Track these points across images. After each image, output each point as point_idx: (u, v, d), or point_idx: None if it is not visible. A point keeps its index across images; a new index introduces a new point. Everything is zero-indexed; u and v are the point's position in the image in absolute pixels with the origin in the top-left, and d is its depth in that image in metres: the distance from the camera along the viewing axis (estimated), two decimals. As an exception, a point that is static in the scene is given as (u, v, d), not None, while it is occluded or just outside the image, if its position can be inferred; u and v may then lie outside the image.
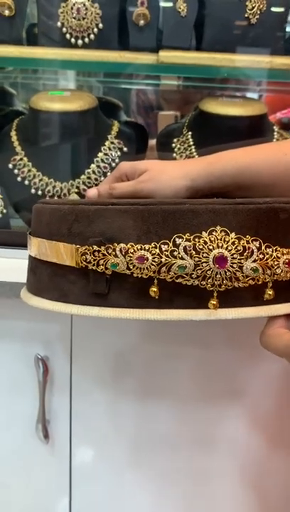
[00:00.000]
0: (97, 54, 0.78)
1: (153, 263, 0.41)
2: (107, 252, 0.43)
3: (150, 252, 0.41)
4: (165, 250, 0.41)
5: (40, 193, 0.78)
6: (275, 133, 0.82)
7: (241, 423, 0.78)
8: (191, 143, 0.81)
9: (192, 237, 0.41)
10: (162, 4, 0.77)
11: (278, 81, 0.94)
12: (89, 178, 0.78)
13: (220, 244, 0.41)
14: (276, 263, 0.42)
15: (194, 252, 0.41)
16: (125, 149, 0.80)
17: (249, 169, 0.53)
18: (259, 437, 0.78)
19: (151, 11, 0.76)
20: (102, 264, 0.43)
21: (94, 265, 0.43)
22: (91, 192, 0.59)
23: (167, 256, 0.41)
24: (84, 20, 0.76)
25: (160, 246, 0.41)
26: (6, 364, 0.78)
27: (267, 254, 0.42)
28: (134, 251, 0.42)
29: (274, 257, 0.42)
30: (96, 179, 0.78)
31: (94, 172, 0.78)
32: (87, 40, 0.78)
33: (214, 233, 0.41)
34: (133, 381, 0.77)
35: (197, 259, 0.41)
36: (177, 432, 0.79)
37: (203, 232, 0.41)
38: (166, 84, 1.17)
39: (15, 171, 0.78)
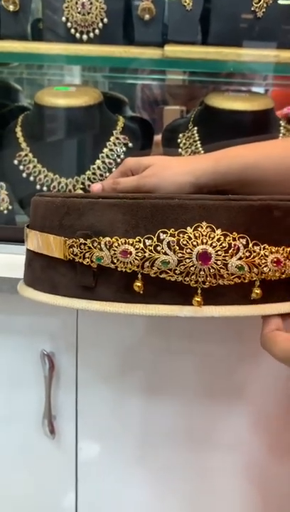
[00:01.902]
0: (102, 49, 0.78)
1: (137, 257, 0.41)
2: (93, 246, 0.43)
3: (134, 247, 0.41)
4: (149, 245, 0.41)
5: (45, 189, 0.77)
6: (281, 128, 0.81)
7: (246, 419, 0.78)
8: (197, 138, 0.80)
9: (176, 232, 0.40)
10: (167, -2, 0.76)
11: (285, 75, 0.93)
12: (94, 173, 0.78)
13: (205, 241, 0.40)
14: (263, 261, 0.41)
15: (177, 248, 0.40)
16: (130, 145, 0.79)
17: (255, 166, 0.53)
18: (264, 434, 0.78)
19: (156, 5, 0.75)
20: (88, 257, 0.43)
21: (80, 258, 0.43)
22: (95, 187, 0.59)
23: (150, 251, 0.41)
24: (88, 15, 0.76)
25: (144, 241, 0.41)
26: (12, 360, 0.78)
27: (254, 252, 0.41)
28: (118, 245, 0.42)
29: (262, 255, 0.41)
30: (101, 175, 0.78)
31: (99, 168, 0.78)
32: (92, 35, 0.77)
33: (199, 229, 0.40)
34: (139, 376, 0.77)
35: (180, 254, 0.40)
36: (183, 428, 0.79)
37: (188, 228, 0.40)
38: (172, 79, 1.16)
39: (21, 167, 0.78)
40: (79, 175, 0.78)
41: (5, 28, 0.78)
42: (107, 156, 0.79)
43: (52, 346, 0.77)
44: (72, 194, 0.46)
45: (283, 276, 0.43)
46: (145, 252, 0.41)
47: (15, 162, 0.78)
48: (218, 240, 0.40)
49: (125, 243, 0.41)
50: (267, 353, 0.43)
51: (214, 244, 0.40)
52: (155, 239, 0.41)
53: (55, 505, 0.86)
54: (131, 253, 0.41)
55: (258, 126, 0.77)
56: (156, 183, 0.54)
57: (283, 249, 0.42)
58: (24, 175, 0.78)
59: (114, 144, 0.79)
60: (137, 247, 0.41)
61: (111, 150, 0.79)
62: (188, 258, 0.40)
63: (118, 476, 0.83)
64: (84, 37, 0.78)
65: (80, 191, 0.77)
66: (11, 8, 0.76)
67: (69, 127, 0.79)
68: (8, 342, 0.78)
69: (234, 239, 0.41)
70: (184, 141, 0.82)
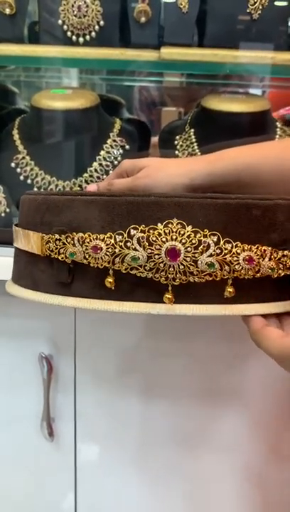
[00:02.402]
0: (99, 51, 0.78)
1: (107, 253, 0.41)
2: (67, 241, 0.43)
3: (104, 242, 0.41)
4: (120, 241, 0.41)
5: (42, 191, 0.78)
6: (278, 129, 0.81)
7: (246, 420, 0.78)
8: (193, 140, 0.80)
9: (147, 228, 0.40)
10: (163, 0, 0.76)
11: (281, 77, 0.94)
12: (91, 176, 0.78)
13: (174, 237, 0.40)
14: (235, 259, 0.41)
15: (147, 244, 0.40)
16: (127, 147, 0.80)
17: (251, 168, 0.53)
18: (264, 434, 0.78)
19: (152, 8, 0.76)
20: (63, 253, 0.43)
21: (56, 254, 0.44)
22: (91, 188, 0.59)
23: (121, 247, 0.41)
24: (85, 18, 0.76)
25: (115, 236, 0.41)
26: (10, 362, 0.79)
27: (226, 249, 0.40)
28: (90, 240, 0.42)
29: (234, 253, 0.41)
30: (98, 177, 0.78)
31: (96, 170, 0.78)
32: (88, 37, 0.78)
33: (169, 225, 0.40)
34: (138, 378, 0.77)
35: (149, 251, 0.40)
36: (181, 429, 0.79)
37: (159, 224, 0.40)
38: (169, 81, 1.17)
39: (18, 170, 0.78)
40: (77, 177, 0.78)
41: (1, 31, 0.78)
42: (104, 158, 0.79)
43: (50, 349, 0.77)
44: (54, 192, 0.47)
45: (258, 275, 0.42)
46: (115, 248, 0.41)
47: (13, 165, 0.79)
48: (188, 236, 0.40)
49: (96, 239, 0.41)
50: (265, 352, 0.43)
51: (183, 241, 0.40)
52: (125, 235, 0.41)
53: (54, 507, 0.86)
54: (101, 249, 0.41)
55: (254, 127, 0.77)
56: (150, 184, 0.54)
57: (257, 248, 0.41)
58: (21, 178, 0.78)
59: (111, 146, 0.79)
60: (108, 242, 0.41)
61: (108, 152, 0.79)
62: (157, 254, 0.40)
63: (117, 478, 0.83)
64: (81, 39, 0.78)
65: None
66: (8, 11, 0.76)
67: (66, 130, 0.79)
68: (7, 344, 0.78)
69: (205, 236, 0.40)
70: (181, 143, 0.82)
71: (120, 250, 0.41)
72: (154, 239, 0.40)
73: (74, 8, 0.76)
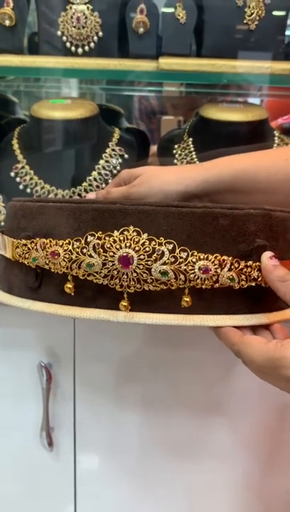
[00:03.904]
0: (98, 62, 0.78)
1: (65, 259, 0.41)
2: (31, 247, 0.44)
3: (62, 248, 0.42)
4: (77, 247, 0.41)
5: (42, 200, 0.78)
6: (276, 138, 0.82)
7: (247, 430, 0.77)
8: (192, 149, 0.81)
9: (103, 235, 0.41)
10: (161, 11, 0.77)
11: (279, 86, 0.94)
12: (90, 185, 0.78)
13: (128, 244, 0.40)
14: (190, 268, 0.40)
15: (102, 251, 0.40)
16: (126, 156, 0.80)
17: (246, 175, 0.53)
18: (265, 444, 0.78)
19: (150, 19, 0.76)
20: (28, 258, 0.44)
21: (23, 258, 0.45)
22: (90, 196, 0.60)
23: (77, 253, 0.41)
24: (84, 29, 0.77)
25: (73, 243, 0.41)
26: (9, 372, 0.78)
27: (181, 258, 0.40)
28: (50, 246, 0.42)
29: (189, 262, 0.40)
30: (97, 186, 0.78)
31: (95, 179, 0.78)
32: (87, 48, 0.78)
33: (125, 233, 0.40)
34: (137, 388, 0.77)
35: (104, 257, 0.40)
36: (181, 439, 0.78)
37: (115, 232, 0.41)
38: (168, 91, 1.17)
39: (17, 179, 0.79)
40: (76, 186, 0.78)
41: (1, 42, 0.79)
42: (103, 167, 0.79)
43: (49, 358, 0.77)
44: (31, 198, 0.48)
45: (217, 285, 0.41)
46: (72, 254, 0.41)
47: (12, 174, 0.79)
48: (142, 244, 0.40)
49: (56, 245, 0.42)
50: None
51: (137, 248, 0.40)
52: (83, 241, 0.41)
53: (53, 517, 0.85)
54: (59, 254, 0.42)
55: (252, 136, 0.78)
56: (144, 192, 0.54)
57: (215, 257, 0.40)
58: (21, 187, 0.78)
59: (110, 156, 0.80)
60: (66, 248, 0.41)
61: (107, 161, 0.79)
62: (111, 261, 0.40)
63: (116, 487, 0.82)
64: (80, 50, 0.78)
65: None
66: (7, 23, 0.77)
67: (65, 139, 0.79)
68: (6, 354, 0.78)
69: (159, 244, 0.40)
70: (179, 151, 0.82)
71: (76, 256, 0.41)
72: (109, 246, 0.40)
73: (74, 20, 0.77)
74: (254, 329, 0.44)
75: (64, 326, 0.75)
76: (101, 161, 0.79)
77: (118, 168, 0.79)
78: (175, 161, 0.82)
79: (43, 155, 0.80)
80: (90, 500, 0.84)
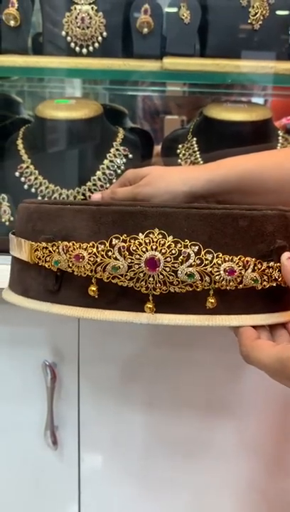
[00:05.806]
0: (102, 62, 0.79)
1: (89, 262, 0.41)
2: (53, 250, 0.43)
3: (87, 251, 0.41)
4: (102, 250, 0.41)
5: (46, 200, 0.78)
6: (280, 138, 0.81)
7: (252, 430, 0.77)
8: (196, 149, 0.81)
9: (128, 238, 0.41)
10: (165, 11, 0.77)
11: (283, 86, 0.94)
12: (95, 185, 0.78)
13: (154, 247, 0.40)
14: (215, 270, 0.40)
15: (127, 253, 0.40)
16: (130, 156, 0.80)
17: (251, 175, 0.53)
18: (271, 444, 0.78)
19: (154, 19, 0.77)
20: (49, 261, 0.44)
21: (43, 262, 0.44)
22: (95, 197, 0.60)
23: (102, 256, 0.41)
24: (88, 29, 0.77)
25: (97, 245, 0.41)
26: (14, 370, 0.79)
27: (206, 260, 0.40)
28: (74, 249, 0.42)
29: (214, 264, 0.40)
30: (102, 186, 0.78)
31: (99, 179, 0.78)
32: (91, 48, 0.79)
33: (150, 235, 0.41)
34: (142, 387, 0.77)
35: (130, 260, 0.40)
36: (185, 439, 0.78)
37: (140, 234, 0.41)
38: (172, 91, 1.17)
39: (22, 179, 0.79)
40: (80, 186, 0.78)
41: (6, 42, 0.79)
42: (108, 167, 0.79)
43: (54, 357, 0.77)
44: (46, 201, 0.48)
45: (241, 286, 0.42)
46: (97, 257, 0.41)
47: (17, 174, 0.79)
48: (168, 246, 0.40)
49: (80, 248, 0.42)
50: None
51: (163, 251, 0.40)
52: (107, 244, 0.41)
53: (58, 516, 0.86)
54: (83, 257, 0.42)
55: (256, 136, 0.78)
56: (150, 192, 0.54)
57: (239, 259, 0.41)
58: (26, 187, 0.79)
59: (115, 156, 0.80)
60: (90, 251, 0.41)
61: (111, 161, 0.80)
62: (137, 264, 0.40)
63: (121, 487, 0.82)
64: (84, 50, 0.79)
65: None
66: (12, 23, 0.77)
67: (69, 139, 0.79)
68: (10, 352, 0.78)
69: (185, 246, 0.40)
70: (183, 151, 0.82)
71: (101, 259, 0.41)
72: (134, 248, 0.40)
73: (78, 20, 0.77)
74: (271, 328, 0.45)
75: (68, 325, 0.75)
76: (106, 161, 0.79)
77: (122, 167, 0.79)
78: (179, 160, 0.82)
79: (47, 155, 0.80)
80: (94, 499, 0.84)
